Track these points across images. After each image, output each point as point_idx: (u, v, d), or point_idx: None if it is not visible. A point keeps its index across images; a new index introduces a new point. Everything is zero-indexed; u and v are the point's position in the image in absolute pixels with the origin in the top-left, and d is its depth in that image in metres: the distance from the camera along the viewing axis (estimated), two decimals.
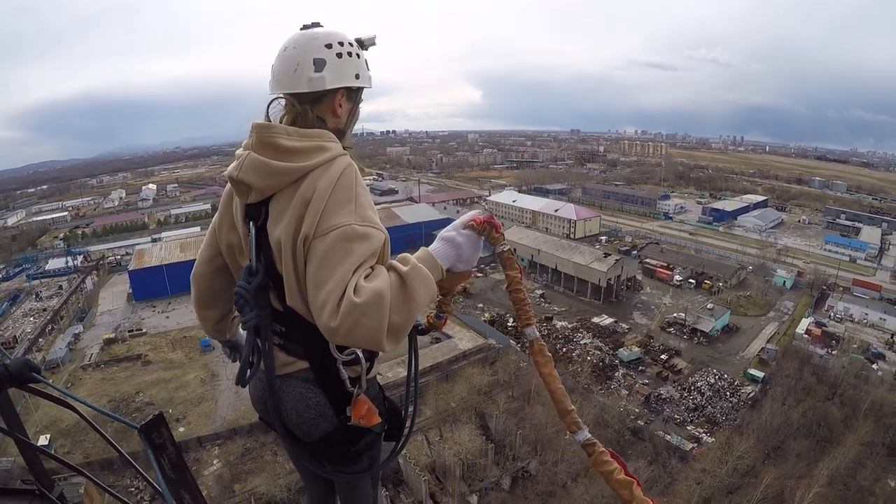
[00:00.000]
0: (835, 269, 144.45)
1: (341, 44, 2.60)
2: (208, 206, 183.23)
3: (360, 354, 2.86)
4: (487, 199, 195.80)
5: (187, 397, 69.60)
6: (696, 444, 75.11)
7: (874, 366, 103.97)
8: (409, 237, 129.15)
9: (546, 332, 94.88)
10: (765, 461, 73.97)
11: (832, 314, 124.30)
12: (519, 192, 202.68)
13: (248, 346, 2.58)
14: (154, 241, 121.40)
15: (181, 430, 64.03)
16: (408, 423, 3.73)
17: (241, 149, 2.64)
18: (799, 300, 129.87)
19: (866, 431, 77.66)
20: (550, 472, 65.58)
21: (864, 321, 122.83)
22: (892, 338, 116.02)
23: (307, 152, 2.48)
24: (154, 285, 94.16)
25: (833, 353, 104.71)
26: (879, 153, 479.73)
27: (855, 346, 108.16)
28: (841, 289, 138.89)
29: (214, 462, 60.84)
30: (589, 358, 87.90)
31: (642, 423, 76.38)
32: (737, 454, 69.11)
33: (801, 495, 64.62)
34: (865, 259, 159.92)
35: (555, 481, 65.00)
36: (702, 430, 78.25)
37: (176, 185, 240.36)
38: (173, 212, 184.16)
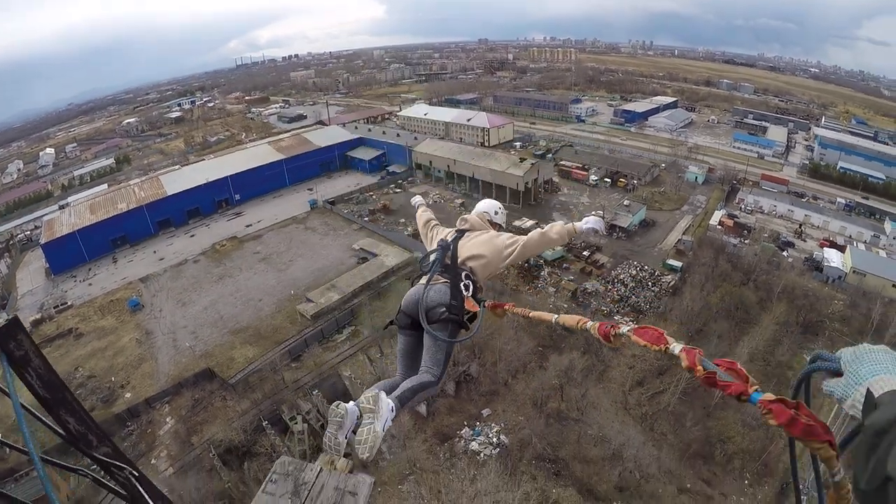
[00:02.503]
0: (744, 165, 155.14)
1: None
2: (111, 161, 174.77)
3: (471, 281, 5.63)
4: (398, 114, 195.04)
5: (127, 361, 68.08)
6: None
7: (784, 253, 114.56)
8: (323, 161, 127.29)
9: None
10: (689, 344, 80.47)
11: (743, 206, 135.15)
12: (429, 104, 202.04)
13: (430, 269, 5.61)
14: (62, 208, 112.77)
15: (127, 395, 63.18)
16: (477, 322, 5.62)
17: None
18: (711, 194, 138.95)
19: (780, 312, 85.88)
20: (491, 372, 69.52)
21: (774, 212, 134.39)
22: (800, 227, 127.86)
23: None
24: (71, 254, 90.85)
25: (745, 242, 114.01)
26: (786, 58, 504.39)
27: (766, 235, 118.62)
28: (750, 183, 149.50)
29: (167, 420, 60.50)
30: None
31: None
32: None
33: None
34: (773, 156, 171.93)
35: (496, 381, 69.08)
36: (628, 319, 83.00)
37: (75, 144, 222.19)
38: (76, 173, 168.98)
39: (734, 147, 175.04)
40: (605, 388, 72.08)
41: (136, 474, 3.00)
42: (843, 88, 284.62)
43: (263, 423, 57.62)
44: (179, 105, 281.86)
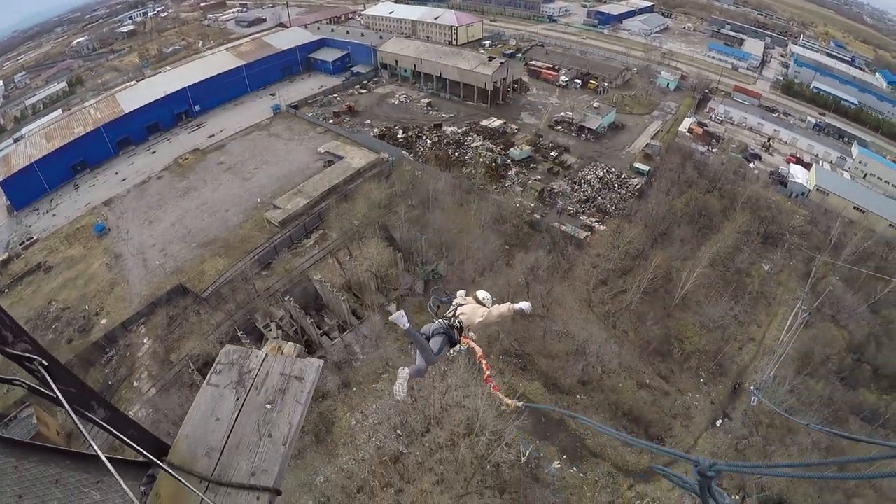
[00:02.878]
0: (717, 75, 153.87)
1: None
2: (64, 85, 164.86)
3: (459, 325, 8.41)
4: (363, 13, 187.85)
5: (99, 288, 67.34)
6: (589, 233, 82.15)
7: (751, 165, 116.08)
8: (285, 64, 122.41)
9: (437, 139, 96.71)
10: (653, 245, 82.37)
11: (713, 116, 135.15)
12: (395, 2, 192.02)
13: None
14: (17, 140, 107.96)
15: (103, 322, 62.83)
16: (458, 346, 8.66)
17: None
18: (682, 101, 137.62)
19: (743, 221, 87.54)
20: (458, 270, 70.48)
21: (743, 124, 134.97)
22: (768, 141, 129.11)
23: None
24: (31, 187, 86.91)
25: (713, 151, 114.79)
26: None
27: (734, 145, 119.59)
28: (722, 93, 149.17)
29: (144, 341, 60.72)
30: (481, 160, 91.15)
31: (538, 217, 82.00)
32: (627, 240, 76.99)
33: (686, 275, 73.66)
34: (747, 69, 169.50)
35: (464, 278, 69.72)
36: (594, 220, 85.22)
37: (23, 73, 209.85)
38: (28, 102, 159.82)
39: (709, 56, 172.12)
40: (570, 285, 73.78)
41: (46, 364, 2.96)
42: (826, 10, 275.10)
43: (238, 334, 58.31)
44: (131, 18, 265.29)
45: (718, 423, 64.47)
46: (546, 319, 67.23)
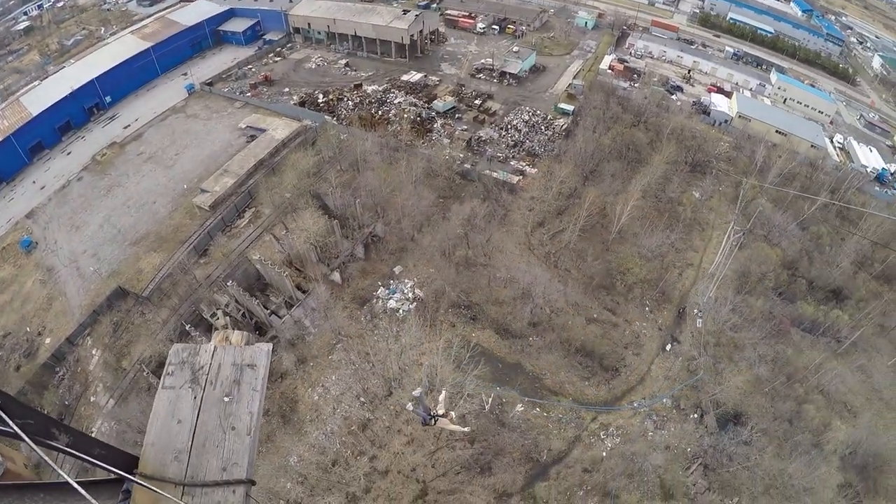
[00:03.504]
0: (634, 11, 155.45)
1: None
2: None
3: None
4: None
5: (37, 307, 64.15)
6: (521, 177, 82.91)
7: (673, 97, 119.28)
8: (194, 40, 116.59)
9: (358, 99, 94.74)
10: (585, 183, 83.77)
11: (633, 51, 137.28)
12: None
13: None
14: None
15: (48, 341, 60.24)
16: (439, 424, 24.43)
17: None
18: (601, 39, 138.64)
19: (670, 152, 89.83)
20: (396, 230, 70.48)
21: (663, 58, 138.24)
22: (688, 73, 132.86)
23: None
24: None
25: (635, 86, 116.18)
26: None
27: (655, 79, 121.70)
28: (641, 29, 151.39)
29: (94, 353, 58.68)
30: (406, 116, 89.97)
31: (469, 166, 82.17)
32: (559, 180, 77.83)
33: (620, 209, 75.14)
34: (664, 3, 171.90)
35: (403, 237, 70.28)
36: (524, 164, 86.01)
37: None
38: None
39: None
40: (508, 231, 74.70)
41: None
42: None
43: (186, 328, 57.21)
44: (26, 14, 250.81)
45: (668, 347, 67.02)
46: (489, 267, 67.97)
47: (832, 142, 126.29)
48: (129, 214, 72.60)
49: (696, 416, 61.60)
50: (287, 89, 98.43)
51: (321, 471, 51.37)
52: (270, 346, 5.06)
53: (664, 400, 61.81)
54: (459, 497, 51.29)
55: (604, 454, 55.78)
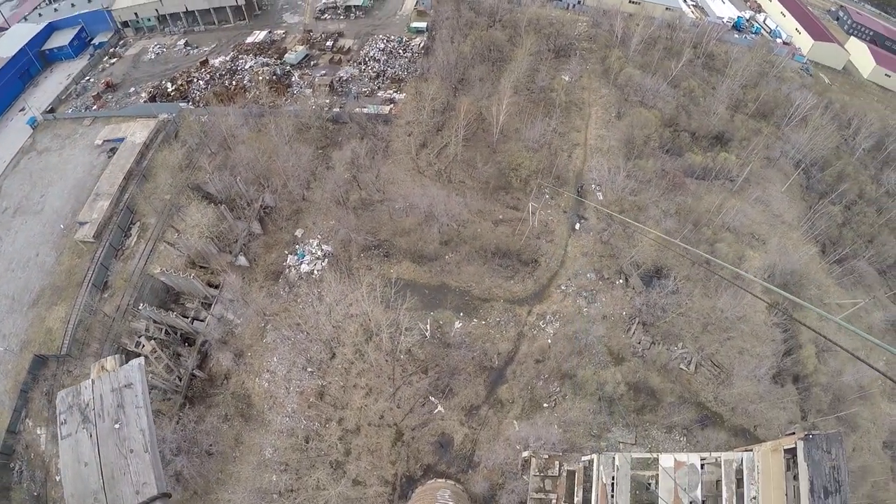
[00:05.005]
0: None
1: None
2: None
3: None
4: None
5: None
6: (392, 105, 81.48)
7: None
8: (21, 70, 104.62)
9: (208, 76, 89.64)
10: (455, 94, 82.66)
11: None
12: None
13: None
14: None
15: None
16: None
17: None
18: None
19: (531, 44, 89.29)
20: (285, 194, 68.32)
21: None
22: None
23: None
24: None
25: None
26: None
27: None
28: None
29: (39, 433, 54.70)
30: (261, 77, 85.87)
31: (338, 109, 79.90)
32: (430, 97, 76.40)
33: (496, 110, 74.95)
34: None
35: (294, 199, 68.33)
36: (392, 92, 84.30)
37: None
38: None
39: None
40: (395, 161, 73.67)
41: None
42: None
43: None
44: None
45: (577, 226, 69.15)
46: (386, 201, 67.40)
47: (685, 1, 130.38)
48: (16, 277, 66.84)
49: (621, 281, 64.37)
50: (133, 89, 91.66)
51: (298, 452, 51.46)
52: (141, 359, 5.29)
53: (588, 275, 64.23)
54: (434, 426, 52.62)
55: (549, 341, 58.11)
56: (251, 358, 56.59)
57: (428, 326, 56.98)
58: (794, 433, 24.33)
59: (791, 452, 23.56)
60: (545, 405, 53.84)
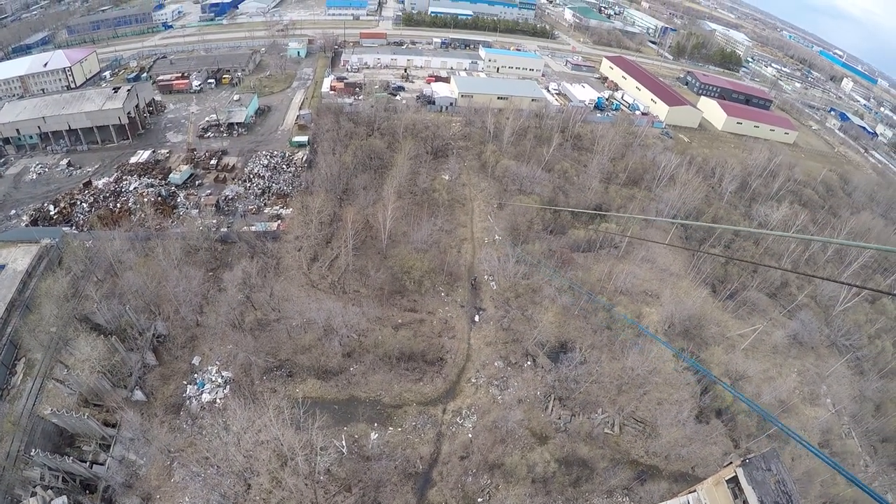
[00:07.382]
0: (342, 29, 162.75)
1: None
2: None
3: None
4: None
5: None
6: (279, 221, 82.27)
7: (397, 97, 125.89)
8: None
9: (92, 198, 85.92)
10: (341, 204, 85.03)
11: (349, 67, 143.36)
12: None
13: None
14: None
15: None
16: None
17: None
18: (317, 64, 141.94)
19: (410, 148, 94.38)
20: (178, 321, 65.17)
21: (379, 65, 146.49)
22: (405, 72, 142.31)
23: None
24: None
25: (360, 98, 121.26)
26: None
27: (376, 86, 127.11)
28: (351, 44, 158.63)
29: None
30: (146, 199, 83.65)
31: (226, 229, 79.32)
32: (316, 210, 78.04)
33: (383, 215, 76.80)
34: (367, 15, 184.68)
35: (187, 326, 65.33)
36: (278, 207, 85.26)
37: None
38: None
39: (329, 15, 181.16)
40: (287, 277, 73.46)
41: None
42: None
43: None
44: None
45: (476, 318, 70.83)
46: (283, 320, 66.34)
47: (549, 91, 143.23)
48: None
49: (529, 363, 66.23)
50: (14, 211, 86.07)
51: None
52: (64, 498, 4.29)
53: (496, 363, 65.72)
54: None
55: (469, 436, 58.39)
56: (161, 501, 51.35)
57: (344, 443, 55.24)
58: (731, 462, 25.62)
59: (734, 481, 24.59)
60: (479, 500, 53.20)
